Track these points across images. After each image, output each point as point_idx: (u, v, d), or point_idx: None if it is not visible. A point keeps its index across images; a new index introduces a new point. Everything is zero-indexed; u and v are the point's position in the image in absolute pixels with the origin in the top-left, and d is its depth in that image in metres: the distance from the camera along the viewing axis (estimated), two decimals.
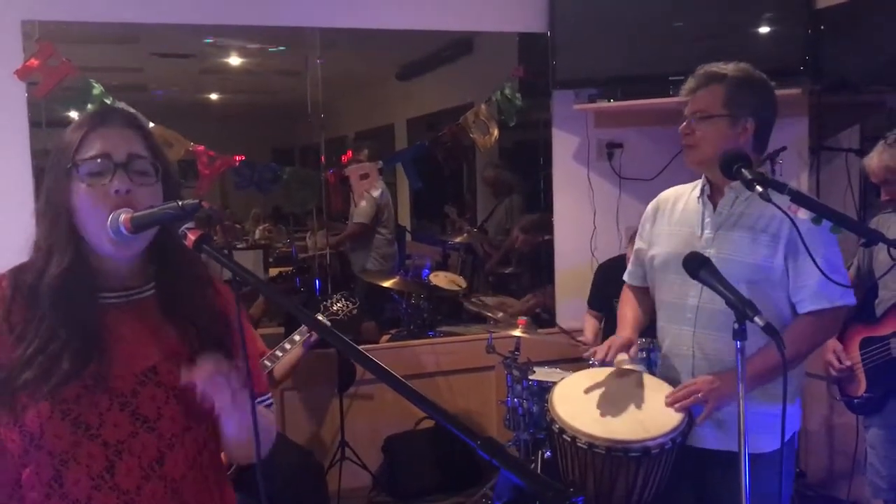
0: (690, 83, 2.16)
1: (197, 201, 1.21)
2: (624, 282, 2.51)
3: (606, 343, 2.24)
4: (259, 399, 1.49)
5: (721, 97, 2.10)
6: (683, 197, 2.31)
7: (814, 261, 1.88)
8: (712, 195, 2.20)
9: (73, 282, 1.31)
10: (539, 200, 4.40)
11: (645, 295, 2.41)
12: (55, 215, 1.32)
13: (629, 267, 2.49)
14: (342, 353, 4.20)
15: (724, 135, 2.09)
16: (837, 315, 2.11)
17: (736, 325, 1.56)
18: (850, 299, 2.08)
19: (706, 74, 2.14)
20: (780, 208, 1.89)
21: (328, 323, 3.24)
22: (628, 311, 2.42)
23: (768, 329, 1.53)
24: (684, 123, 2.14)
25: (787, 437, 1.91)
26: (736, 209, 2.14)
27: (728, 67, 2.13)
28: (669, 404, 2.09)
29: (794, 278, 2.07)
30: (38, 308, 1.30)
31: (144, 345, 1.36)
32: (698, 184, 2.27)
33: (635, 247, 2.45)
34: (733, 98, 2.09)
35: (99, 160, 1.30)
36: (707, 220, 2.18)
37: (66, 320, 1.28)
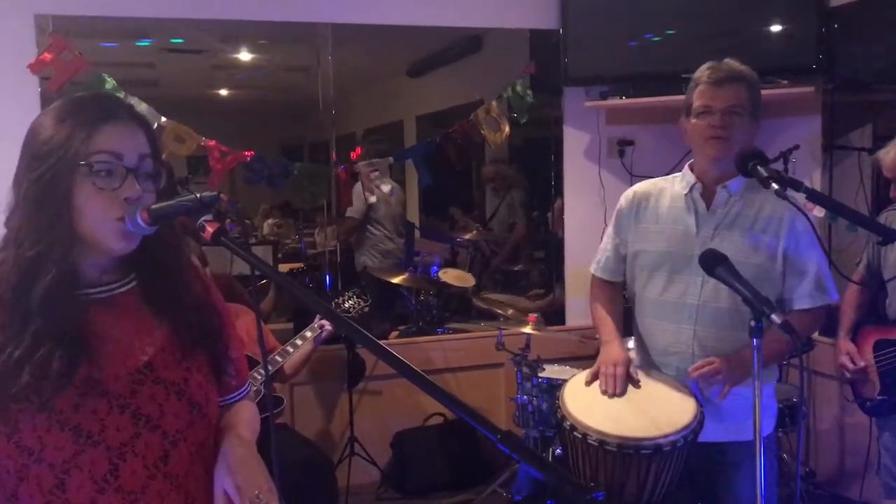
0: (713, 74, 2.13)
1: (216, 193, 1.17)
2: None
3: (610, 376, 2.18)
4: (240, 391, 1.47)
5: (747, 96, 2.13)
6: (666, 192, 2.29)
7: (832, 259, 1.92)
8: (704, 193, 2.21)
9: (60, 282, 1.22)
10: (549, 198, 4.39)
11: (616, 290, 2.44)
12: (54, 215, 1.20)
13: (602, 261, 2.44)
14: (356, 346, 4.14)
15: (751, 133, 2.16)
16: (825, 311, 2.22)
17: (752, 323, 1.55)
18: (837, 296, 2.21)
19: (733, 71, 2.14)
20: (794, 205, 1.89)
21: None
22: (605, 313, 2.39)
23: (785, 327, 1.53)
24: (717, 115, 2.09)
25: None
26: (731, 209, 2.17)
27: (744, 68, 2.16)
28: (692, 371, 2.10)
29: (791, 277, 2.14)
30: (20, 312, 1.20)
31: (135, 340, 1.29)
32: (677, 178, 2.28)
33: (612, 242, 2.41)
34: (754, 99, 2.14)
35: (111, 161, 1.21)
36: (701, 219, 2.19)
37: (52, 323, 1.20)
